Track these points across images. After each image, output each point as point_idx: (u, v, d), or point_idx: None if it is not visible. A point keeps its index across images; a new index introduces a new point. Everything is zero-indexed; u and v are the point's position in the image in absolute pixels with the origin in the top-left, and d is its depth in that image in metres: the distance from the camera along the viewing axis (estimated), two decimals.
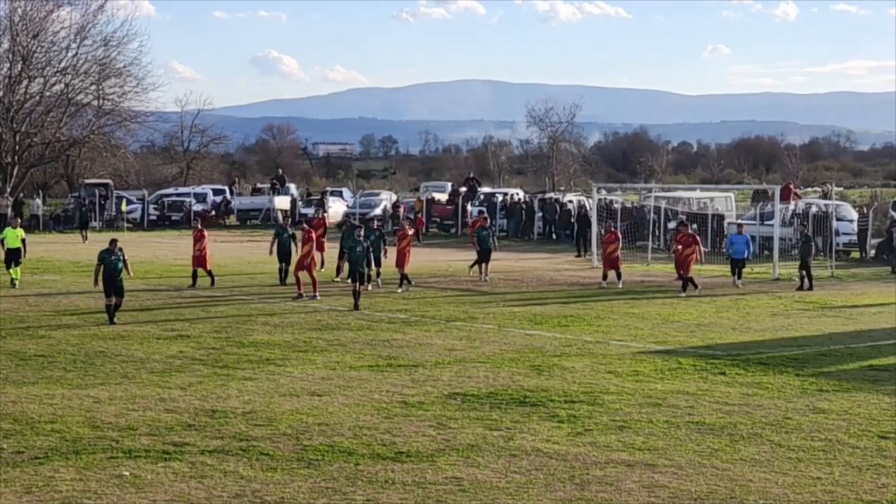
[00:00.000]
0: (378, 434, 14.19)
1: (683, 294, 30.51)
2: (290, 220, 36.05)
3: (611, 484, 12.06)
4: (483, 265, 34.16)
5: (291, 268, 30.61)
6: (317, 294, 28.85)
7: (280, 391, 16.91)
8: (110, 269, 24.14)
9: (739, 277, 32.90)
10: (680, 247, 31.77)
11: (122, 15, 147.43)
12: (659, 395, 16.81)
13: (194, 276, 31.82)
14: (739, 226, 35.37)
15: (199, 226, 32.91)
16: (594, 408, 15.88)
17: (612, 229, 34.34)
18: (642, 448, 13.59)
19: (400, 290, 30.50)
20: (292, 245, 31.84)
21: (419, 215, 57.20)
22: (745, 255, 33.24)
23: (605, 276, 32.91)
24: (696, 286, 31.12)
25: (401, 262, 31.37)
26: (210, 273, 31.71)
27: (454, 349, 21.15)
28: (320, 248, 35.31)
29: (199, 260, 31.82)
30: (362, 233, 28.09)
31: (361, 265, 27.05)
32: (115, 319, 23.96)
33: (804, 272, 32.33)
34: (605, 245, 33.47)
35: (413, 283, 31.56)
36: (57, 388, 16.96)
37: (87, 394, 16.57)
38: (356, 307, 26.43)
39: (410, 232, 33.59)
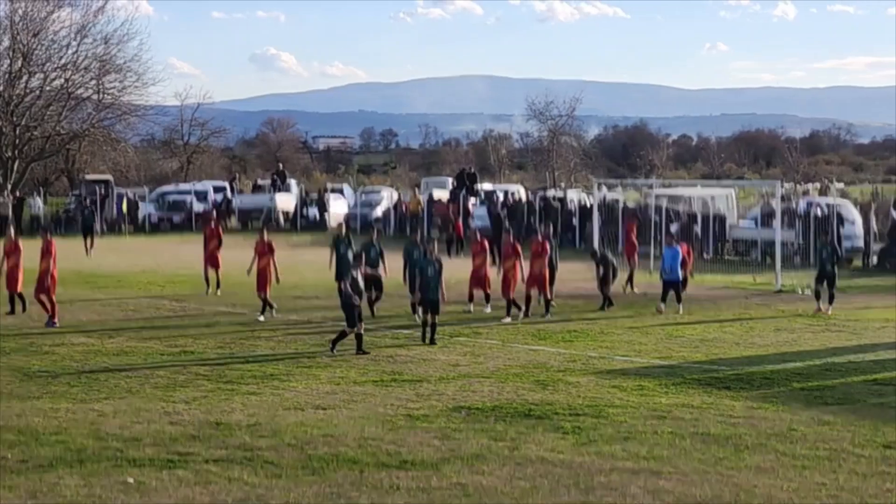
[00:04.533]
0: (383, 444, 14.20)
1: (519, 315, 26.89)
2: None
3: (615, 489, 12.07)
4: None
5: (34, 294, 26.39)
6: (55, 321, 25.64)
7: (284, 405, 16.91)
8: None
9: (663, 300, 28.44)
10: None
11: (122, 15, 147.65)
12: (664, 408, 16.81)
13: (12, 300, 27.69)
14: (670, 236, 30.97)
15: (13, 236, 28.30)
16: (599, 420, 15.88)
17: (479, 238, 29.00)
18: (647, 457, 13.60)
19: (262, 318, 26.72)
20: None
21: (457, 219, 49.61)
22: (679, 277, 28.78)
23: (469, 297, 28.06)
24: (518, 308, 27.02)
25: (261, 283, 27.22)
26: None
27: (458, 364, 21.13)
28: (213, 264, 31.93)
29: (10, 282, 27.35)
30: (434, 249, 24.00)
31: (434, 291, 23.06)
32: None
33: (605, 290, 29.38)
34: (473, 256, 28.62)
35: (275, 308, 27.40)
36: (61, 402, 16.96)
37: (91, 407, 16.57)
38: (433, 341, 22.95)
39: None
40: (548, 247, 27.96)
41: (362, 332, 21.95)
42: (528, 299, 27.61)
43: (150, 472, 12.63)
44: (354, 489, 12.00)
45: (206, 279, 32.15)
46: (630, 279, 33.81)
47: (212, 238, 32.19)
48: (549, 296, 27.81)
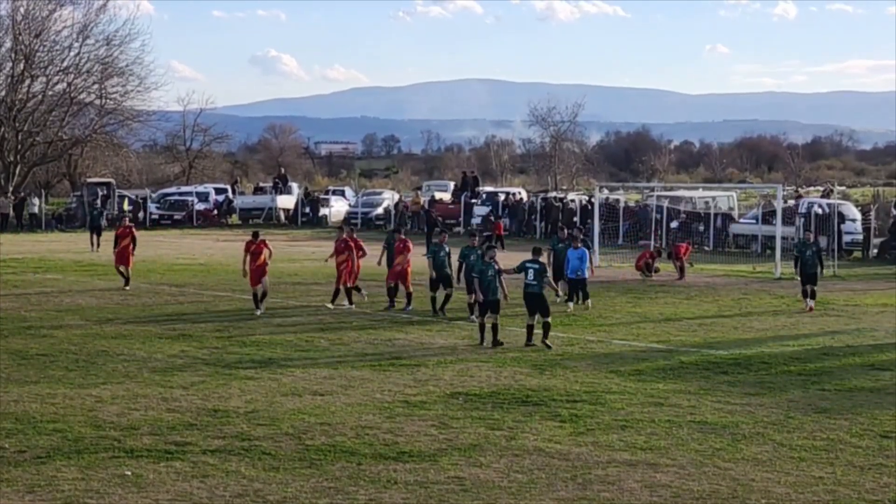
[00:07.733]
0: (380, 434, 14.19)
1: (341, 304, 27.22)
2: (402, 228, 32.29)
3: (612, 483, 12.06)
4: (560, 283, 28.03)
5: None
6: None
7: (282, 391, 16.91)
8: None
9: (570, 300, 27.62)
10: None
11: (124, 14, 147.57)
12: (661, 395, 16.81)
13: None
14: (574, 238, 29.09)
15: None
16: (596, 407, 15.88)
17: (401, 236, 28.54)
18: (644, 447, 13.59)
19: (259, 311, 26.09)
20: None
21: (499, 220, 53.01)
22: (585, 275, 28.11)
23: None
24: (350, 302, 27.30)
25: (260, 276, 26.48)
26: None
27: (456, 348, 21.17)
28: (124, 262, 31.24)
29: None
30: (495, 255, 23.03)
31: (494, 293, 22.06)
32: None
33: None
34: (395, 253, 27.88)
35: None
36: (59, 388, 16.96)
37: (88, 393, 16.57)
38: (496, 342, 21.65)
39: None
40: (410, 245, 27.95)
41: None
42: (390, 291, 27.38)
43: (147, 464, 12.62)
44: (352, 483, 11.99)
45: (121, 273, 31.50)
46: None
47: (124, 237, 31.75)
48: (409, 289, 27.41)
